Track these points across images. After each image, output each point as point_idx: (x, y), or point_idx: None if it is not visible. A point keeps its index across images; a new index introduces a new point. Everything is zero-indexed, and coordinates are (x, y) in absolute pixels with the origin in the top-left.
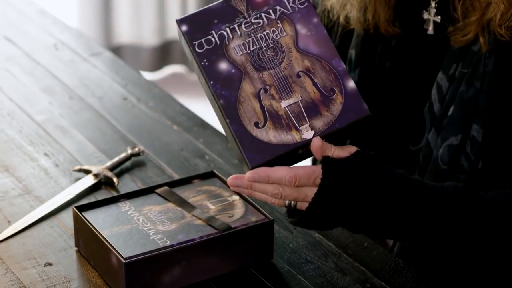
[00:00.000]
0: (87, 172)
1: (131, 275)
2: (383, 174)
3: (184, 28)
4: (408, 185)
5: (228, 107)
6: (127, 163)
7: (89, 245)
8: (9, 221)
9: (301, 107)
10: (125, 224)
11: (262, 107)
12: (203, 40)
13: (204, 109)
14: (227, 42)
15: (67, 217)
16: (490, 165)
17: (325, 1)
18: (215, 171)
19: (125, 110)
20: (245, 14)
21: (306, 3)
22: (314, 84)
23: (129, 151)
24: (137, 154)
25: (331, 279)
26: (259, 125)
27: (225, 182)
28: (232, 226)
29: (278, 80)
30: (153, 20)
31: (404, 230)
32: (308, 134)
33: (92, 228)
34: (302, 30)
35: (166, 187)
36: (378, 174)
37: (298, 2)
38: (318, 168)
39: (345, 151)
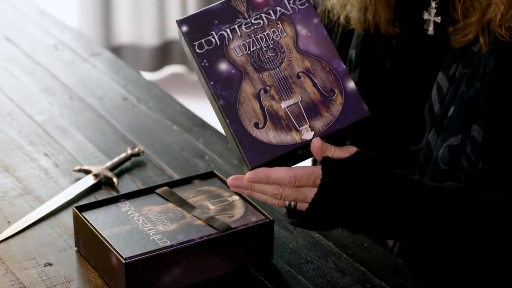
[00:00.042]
0: (87, 172)
1: (131, 275)
2: (383, 174)
3: (184, 28)
4: (408, 186)
5: (228, 108)
6: (127, 163)
7: (89, 245)
8: (9, 221)
9: (301, 107)
10: (125, 224)
11: (262, 107)
12: (203, 40)
13: (204, 109)
14: (227, 43)
15: (67, 217)
16: (490, 165)
17: (325, 1)
18: (215, 171)
19: (125, 110)
20: (245, 14)
21: (306, 4)
22: (314, 84)
23: (129, 151)
24: (137, 154)
25: (331, 279)
26: (259, 126)
27: (225, 183)
28: (232, 226)
29: (278, 81)
30: (153, 20)
31: (404, 231)
32: (308, 134)
33: (92, 228)
34: (302, 30)
35: (166, 187)
36: (378, 174)
37: (299, 3)
38: (318, 169)
39: (345, 151)
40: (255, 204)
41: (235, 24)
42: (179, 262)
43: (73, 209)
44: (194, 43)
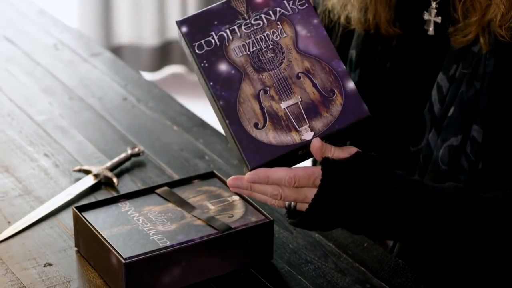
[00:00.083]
0: (87, 172)
1: (131, 276)
2: (383, 175)
3: (184, 29)
4: (408, 186)
5: (227, 108)
6: (127, 164)
7: (89, 245)
8: (9, 222)
9: (301, 108)
10: (125, 224)
11: (261, 108)
12: (203, 41)
13: (204, 109)
14: (227, 43)
15: (67, 217)
16: (490, 165)
17: (326, 1)
18: (215, 171)
19: (125, 111)
20: (245, 15)
21: (306, 4)
22: (314, 85)
23: (129, 152)
24: (137, 155)
25: (331, 280)
26: (259, 126)
27: (225, 183)
28: (232, 226)
29: (277, 81)
30: (153, 20)
31: (404, 231)
32: (307, 135)
33: (92, 229)
34: (302, 31)
35: (166, 188)
36: (378, 175)
37: (298, 3)
38: (318, 169)
39: (345, 152)
40: (255, 204)
41: (235, 25)
42: (179, 262)
43: (73, 209)
44: (194, 43)
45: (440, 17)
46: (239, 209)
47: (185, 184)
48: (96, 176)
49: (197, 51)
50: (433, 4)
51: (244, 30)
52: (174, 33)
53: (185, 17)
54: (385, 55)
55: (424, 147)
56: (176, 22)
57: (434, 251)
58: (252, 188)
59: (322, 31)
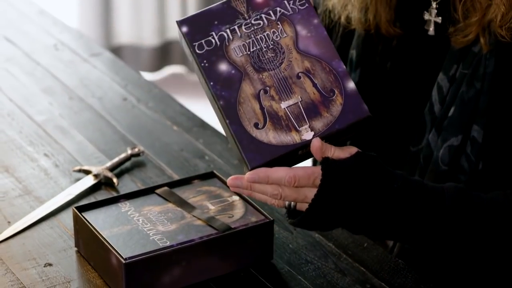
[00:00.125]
0: (87, 172)
1: (131, 276)
2: (383, 175)
3: (184, 29)
4: (408, 186)
5: (228, 108)
6: (127, 164)
7: (89, 245)
8: (9, 222)
9: (301, 108)
10: (125, 224)
11: (262, 108)
12: (203, 41)
13: (204, 109)
14: (227, 43)
15: (67, 217)
16: (491, 166)
17: (326, 1)
18: (215, 171)
19: (125, 111)
20: (245, 15)
21: (307, 4)
22: (314, 85)
23: (129, 152)
24: (137, 155)
25: (331, 280)
26: (259, 126)
27: (225, 183)
28: (232, 226)
29: (278, 81)
30: (153, 20)
31: (404, 231)
32: (307, 135)
33: (92, 229)
34: (302, 31)
35: (166, 188)
36: (378, 175)
37: (299, 3)
38: (318, 169)
39: (345, 152)
40: (255, 205)
41: (235, 25)
42: (179, 262)
43: (73, 210)
44: (194, 43)
45: (440, 17)
46: (239, 209)
47: (185, 184)
48: (96, 176)
49: (197, 51)
50: (434, 4)
51: (244, 30)
52: (174, 33)
53: (186, 17)
54: (386, 55)
55: (424, 147)
56: (177, 22)
57: (434, 251)
58: (252, 188)
59: (323, 31)
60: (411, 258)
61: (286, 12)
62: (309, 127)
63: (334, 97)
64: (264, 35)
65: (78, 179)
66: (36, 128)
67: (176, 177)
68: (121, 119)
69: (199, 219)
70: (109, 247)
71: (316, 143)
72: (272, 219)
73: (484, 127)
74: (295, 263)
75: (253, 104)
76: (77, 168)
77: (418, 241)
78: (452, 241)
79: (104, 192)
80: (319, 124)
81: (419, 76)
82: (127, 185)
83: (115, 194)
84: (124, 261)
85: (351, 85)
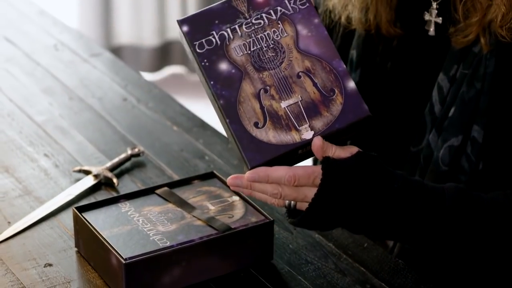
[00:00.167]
0: (87, 172)
1: (131, 276)
2: (383, 175)
3: (185, 28)
4: (409, 186)
5: (228, 107)
6: (127, 164)
7: (89, 245)
8: (9, 222)
9: (301, 107)
10: (125, 224)
11: (262, 107)
12: (203, 40)
13: (204, 109)
14: (227, 43)
15: (67, 217)
16: (491, 166)
17: (326, 1)
18: (215, 171)
19: (125, 111)
20: (246, 14)
21: (307, 4)
22: (314, 84)
23: (129, 152)
24: (137, 155)
25: (331, 280)
26: (259, 125)
27: (225, 183)
28: (232, 226)
29: (278, 81)
30: (153, 20)
31: (404, 231)
32: (307, 134)
33: (92, 229)
34: (302, 30)
35: (166, 188)
36: (379, 175)
37: (299, 3)
38: (318, 169)
39: (346, 151)
40: (255, 205)
41: (236, 24)
42: (179, 262)
43: (73, 210)
44: (195, 42)
45: (440, 18)
46: (239, 210)
47: (185, 185)
48: (96, 176)
49: (197, 50)
50: (434, 5)
51: (245, 29)
52: (174, 33)
53: (186, 16)
54: (386, 55)
55: (424, 147)
56: (177, 21)
57: (435, 251)
58: (252, 187)
59: (323, 30)
60: (411, 258)
61: (286, 11)
62: (309, 126)
63: (334, 96)
64: (264, 35)
65: (78, 179)
66: (36, 129)
67: (176, 177)
68: (121, 119)
69: (199, 219)
70: (109, 247)
71: (317, 142)
72: (272, 219)
73: (484, 127)
74: (295, 264)
75: (253, 104)
76: (77, 168)
77: (418, 241)
78: (452, 241)
79: (104, 192)
80: (319, 123)
81: (419, 76)
82: (127, 185)
83: (115, 195)
84: (124, 261)
85: (351, 84)
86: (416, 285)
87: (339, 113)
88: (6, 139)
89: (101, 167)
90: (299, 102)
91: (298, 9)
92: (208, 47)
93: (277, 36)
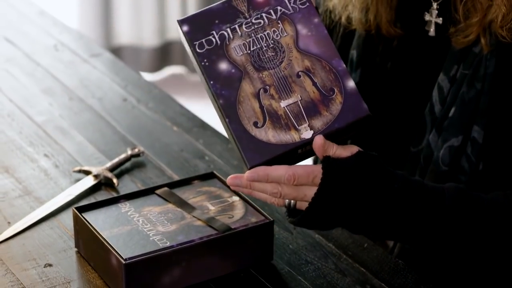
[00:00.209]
0: (87, 173)
1: (131, 276)
2: (383, 175)
3: (185, 28)
4: (409, 186)
5: (227, 107)
6: (127, 164)
7: (89, 246)
8: (9, 222)
9: (301, 107)
10: (125, 225)
11: (261, 106)
12: (203, 40)
13: (204, 110)
14: (227, 42)
15: (67, 218)
16: (491, 166)
17: (327, 1)
18: (215, 172)
19: (125, 111)
20: (246, 14)
21: (307, 3)
22: (314, 84)
23: (129, 152)
24: (137, 155)
25: (331, 280)
26: (258, 125)
27: (225, 183)
28: (232, 227)
29: (277, 80)
30: (153, 21)
31: (404, 231)
32: (307, 134)
33: (92, 229)
34: (302, 30)
35: (166, 188)
36: (379, 175)
37: (299, 2)
38: (318, 168)
39: (347, 150)
40: (255, 205)
41: (236, 24)
42: (179, 263)
43: (73, 210)
44: (195, 42)
45: (441, 18)
46: (239, 210)
47: (185, 185)
48: (96, 176)
49: (197, 50)
50: (434, 5)
51: (245, 29)
52: (174, 33)
53: (186, 16)
54: (386, 55)
55: (424, 147)
56: (178, 21)
57: (435, 251)
58: (252, 187)
59: (323, 30)
60: (411, 258)
61: (286, 11)
62: (309, 126)
63: (333, 96)
64: (264, 34)
65: (78, 180)
66: (36, 129)
67: (176, 177)
68: (121, 120)
69: (199, 219)
70: (109, 247)
71: (319, 141)
72: (272, 219)
73: (484, 127)
74: (295, 264)
75: (252, 103)
76: (77, 168)
77: (418, 241)
78: (452, 241)
79: (104, 192)
80: (318, 123)
81: (419, 76)
82: (127, 185)
83: (115, 195)
84: (124, 262)
85: (351, 84)
86: (416, 285)
87: (339, 113)
88: (6, 139)
89: (101, 167)
90: (299, 102)
91: (298, 9)
92: (208, 47)
93: (277, 36)
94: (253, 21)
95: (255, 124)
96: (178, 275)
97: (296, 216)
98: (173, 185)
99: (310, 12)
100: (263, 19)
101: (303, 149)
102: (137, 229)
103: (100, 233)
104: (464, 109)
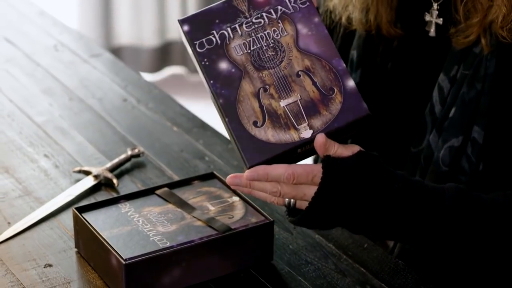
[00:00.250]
0: (87, 173)
1: (131, 276)
2: (384, 175)
3: (185, 28)
4: (409, 187)
5: (227, 106)
6: (127, 164)
7: (89, 246)
8: (9, 223)
9: (300, 106)
10: (125, 225)
11: (261, 106)
12: (204, 39)
13: (204, 110)
14: (227, 42)
15: (67, 218)
16: (491, 167)
17: (327, 2)
18: (215, 172)
19: (125, 112)
20: (247, 14)
21: (308, 3)
22: (314, 83)
23: (129, 152)
24: (137, 155)
25: (331, 281)
26: (258, 124)
27: (225, 183)
28: (232, 227)
29: (277, 80)
30: (153, 21)
31: (404, 232)
32: (306, 133)
33: (92, 229)
34: (303, 29)
35: (166, 188)
36: (379, 175)
37: (300, 2)
38: (317, 167)
39: (348, 150)
40: (255, 205)
41: (236, 23)
42: (179, 263)
43: (73, 210)
44: (195, 42)
45: (441, 19)
46: (239, 210)
47: (185, 185)
48: (96, 177)
49: (198, 49)
50: (435, 6)
51: (245, 28)
52: (174, 34)
53: (187, 15)
54: (386, 55)
55: (425, 148)
56: (178, 20)
57: (435, 252)
58: (252, 186)
59: (323, 29)
60: (411, 259)
61: (287, 10)
62: (308, 125)
63: (333, 95)
64: (264, 34)
65: (78, 180)
66: (36, 129)
67: (176, 178)
68: (121, 120)
69: (199, 220)
70: (109, 248)
71: (320, 139)
72: (272, 220)
73: (484, 128)
74: (295, 264)
75: (252, 103)
76: (77, 169)
77: (418, 241)
78: (452, 242)
79: (104, 193)
80: (318, 122)
81: (419, 77)
82: (127, 186)
83: (115, 195)
84: (124, 262)
85: (350, 83)
86: (416, 286)
87: (338, 112)
88: (6, 139)
89: (101, 167)
90: (298, 101)
91: (298, 8)
92: (208, 47)
93: (277, 35)
94: (254, 20)
95: (255, 123)
96: (178, 276)
97: (296, 215)
98: (173, 185)
99: (310, 11)
100: (264, 19)
101: (303, 149)
102: (137, 229)
103: (100, 234)
104: (465, 110)
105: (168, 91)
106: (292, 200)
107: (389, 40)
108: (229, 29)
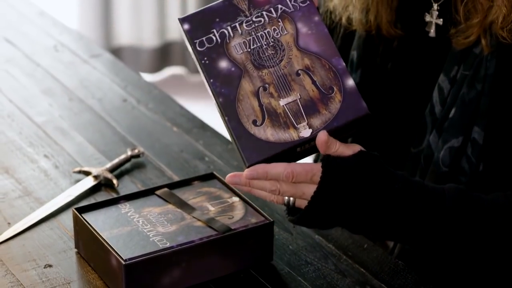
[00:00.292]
0: (87, 173)
1: (131, 277)
2: (384, 175)
3: (186, 26)
4: (409, 187)
5: (227, 105)
6: (127, 165)
7: (89, 246)
8: (9, 223)
9: (300, 105)
10: (125, 225)
11: (260, 105)
12: (204, 38)
13: (204, 110)
14: (228, 41)
15: (67, 218)
16: (491, 167)
17: (327, 2)
18: (215, 172)
19: (125, 112)
20: (247, 12)
21: (308, 2)
22: (313, 82)
23: (129, 153)
24: (137, 156)
25: (331, 281)
26: (257, 123)
27: (225, 184)
28: (232, 227)
29: (277, 78)
30: (153, 21)
31: (404, 232)
32: (305, 132)
33: (92, 230)
34: (303, 28)
35: (166, 189)
36: (379, 175)
37: (300, 1)
38: (317, 166)
39: (349, 149)
40: (255, 206)
41: (236, 22)
42: (179, 263)
43: (73, 211)
44: (195, 40)
45: (441, 19)
46: (239, 211)
47: (185, 186)
48: (96, 177)
49: (198, 48)
50: (435, 6)
51: (245, 27)
52: (174, 34)
53: (187, 14)
54: (386, 56)
55: (425, 148)
56: (179, 19)
57: (434, 252)
58: (251, 184)
59: (323, 28)
60: (411, 259)
61: (287, 9)
62: (307, 124)
63: (333, 94)
64: (264, 32)
65: (78, 180)
66: (36, 129)
67: (176, 178)
68: (121, 120)
69: (199, 220)
70: (109, 248)
71: (322, 137)
72: (272, 220)
73: (484, 128)
74: (295, 264)
75: (252, 101)
76: (77, 169)
77: (418, 241)
78: (452, 242)
79: (104, 193)
80: (317, 121)
81: (420, 77)
82: (127, 186)
83: (115, 195)
84: (124, 262)
85: (350, 82)
86: (416, 286)
87: (338, 111)
88: (6, 140)
89: (101, 168)
90: (298, 100)
91: (298, 7)
92: (208, 45)
93: (277, 34)
94: (254, 19)
95: (254, 122)
96: (178, 276)
97: (296, 214)
98: (173, 185)
99: (310, 10)
100: (264, 17)
101: (302, 148)
102: (137, 229)
103: (100, 234)
104: (465, 110)
105: (168, 92)
106: (291, 199)
107: (389, 40)
108: (229, 27)
